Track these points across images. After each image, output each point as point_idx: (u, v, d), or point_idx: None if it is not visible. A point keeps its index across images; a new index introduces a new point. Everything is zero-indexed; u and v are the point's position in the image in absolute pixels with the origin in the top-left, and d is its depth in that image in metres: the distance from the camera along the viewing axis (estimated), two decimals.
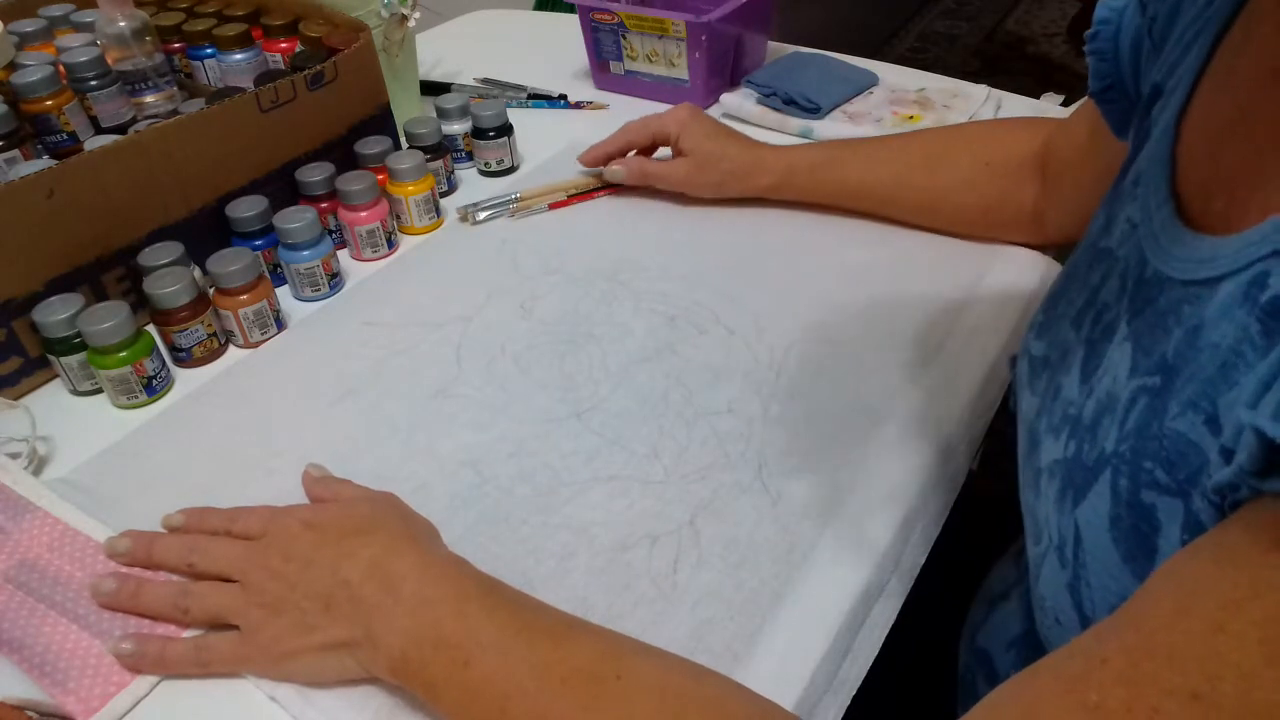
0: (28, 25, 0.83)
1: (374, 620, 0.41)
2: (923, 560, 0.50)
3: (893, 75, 0.96)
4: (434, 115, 0.84)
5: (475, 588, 0.42)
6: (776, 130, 0.89)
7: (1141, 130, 0.44)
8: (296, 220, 0.67)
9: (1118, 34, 0.47)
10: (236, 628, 0.44)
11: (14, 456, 0.55)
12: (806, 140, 0.87)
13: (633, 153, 0.82)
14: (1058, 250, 0.71)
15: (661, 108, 0.95)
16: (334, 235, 0.74)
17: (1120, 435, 0.35)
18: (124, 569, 0.48)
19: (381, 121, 0.80)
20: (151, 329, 0.63)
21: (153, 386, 0.61)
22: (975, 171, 0.69)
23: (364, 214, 0.72)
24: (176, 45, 0.86)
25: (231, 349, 0.66)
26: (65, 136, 0.73)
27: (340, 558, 0.43)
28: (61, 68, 0.74)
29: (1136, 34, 0.46)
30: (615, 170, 0.79)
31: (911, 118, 0.87)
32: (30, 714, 0.42)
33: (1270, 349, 0.27)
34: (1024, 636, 0.50)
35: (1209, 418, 0.30)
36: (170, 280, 0.61)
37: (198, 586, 0.45)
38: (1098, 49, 0.49)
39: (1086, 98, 0.65)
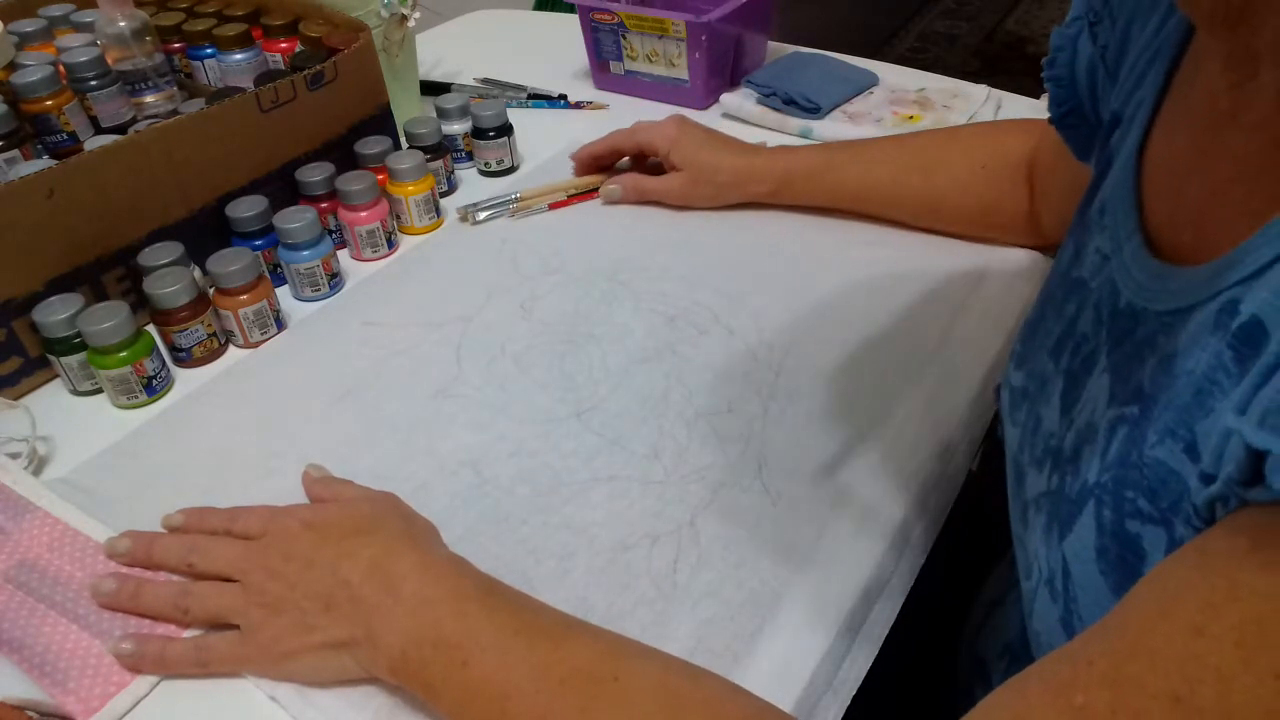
0: (28, 25, 0.83)
1: (374, 620, 0.41)
2: (922, 560, 0.50)
3: (893, 75, 0.96)
4: (434, 115, 0.84)
5: (475, 588, 0.42)
6: (777, 130, 0.89)
7: (1103, 159, 0.44)
8: (296, 220, 0.67)
9: (1073, 60, 0.48)
10: (237, 627, 0.44)
11: (14, 456, 0.55)
12: (807, 140, 0.87)
13: (625, 160, 0.82)
14: (1057, 250, 0.71)
15: (661, 108, 0.95)
16: (334, 235, 0.74)
17: (1102, 466, 0.35)
18: (124, 569, 0.48)
19: (381, 121, 0.80)
20: (151, 329, 0.63)
21: (153, 386, 0.61)
22: (971, 175, 0.69)
23: (364, 214, 0.72)
24: (176, 45, 0.86)
25: (231, 349, 0.66)
26: (65, 136, 0.73)
27: (340, 558, 0.43)
28: (61, 68, 0.74)
29: (1090, 61, 0.46)
30: (611, 189, 0.79)
31: (911, 118, 0.87)
32: (30, 714, 0.42)
33: (1244, 375, 0.28)
34: (1014, 644, 0.50)
35: (1187, 445, 0.30)
36: (170, 280, 0.61)
37: (198, 587, 0.45)
38: (1055, 76, 0.49)
39: None
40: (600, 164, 0.82)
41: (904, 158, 0.72)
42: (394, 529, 0.45)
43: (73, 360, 0.60)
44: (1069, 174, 0.59)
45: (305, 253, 0.68)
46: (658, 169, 0.79)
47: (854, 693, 0.44)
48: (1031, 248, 0.70)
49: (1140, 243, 0.37)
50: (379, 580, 0.42)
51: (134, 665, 0.44)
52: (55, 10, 0.86)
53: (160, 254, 0.63)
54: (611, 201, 0.79)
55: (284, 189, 0.73)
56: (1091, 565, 0.34)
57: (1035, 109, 0.89)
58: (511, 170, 0.86)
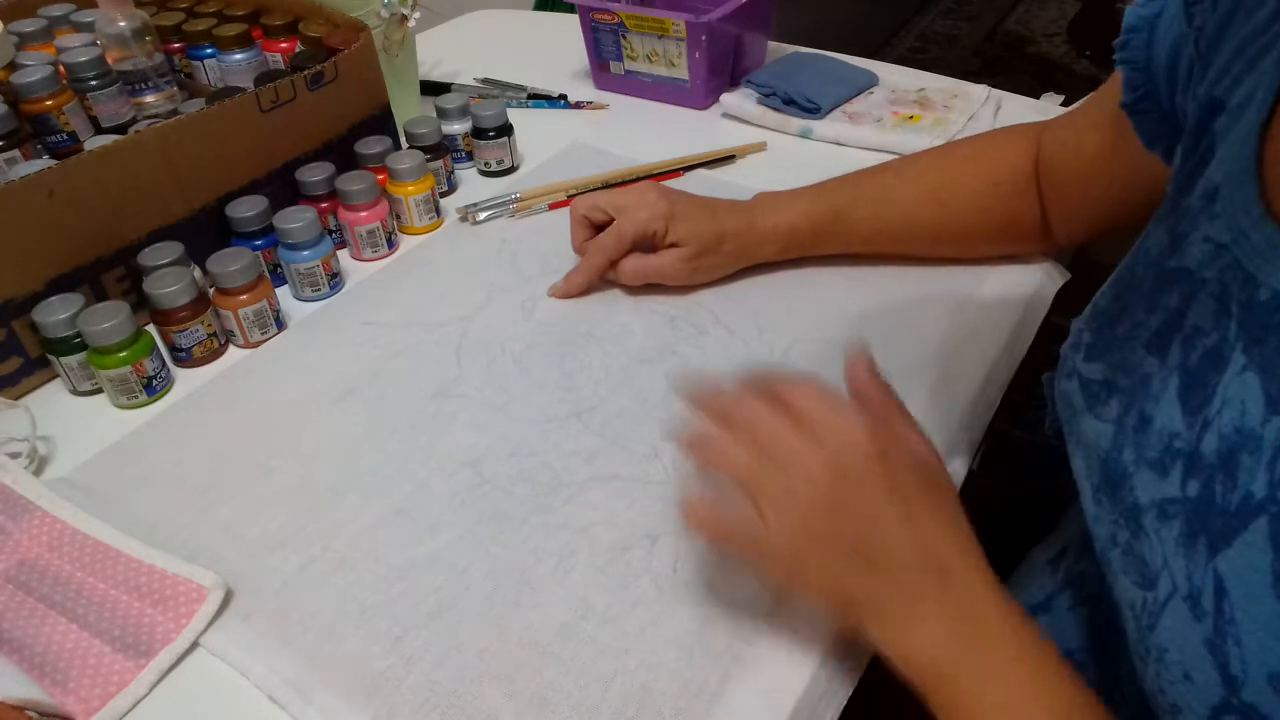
0: (28, 25, 0.83)
1: (913, 607, 0.40)
2: None
3: (893, 75, 0.96)
4: (434, 115, 0.84)
5: (1007, 622, 0.41)
6: (777, 130, 0.89)
7: (1201, 145, 0.41)
8: (296, 220, 0.67)
9: (1150, 43, 0.45)
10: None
11: (14, 456, 0.55)
12: (807, 140, 0.87)
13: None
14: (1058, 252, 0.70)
15: (662, 108, 0.95)
16: (334, 235, 0.74)
17: (1274, 480, 0.32)
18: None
19: (381, 121, 0.80)
20: (151, 329, 0.63)
21: (153, 386, 0.61)
22: (984, 194, 0.66)
23: (364, 214, 0.72)
24: (176, 45, 0.86)
25: (231, 349, 0.66)
26: (65, 136, 0.73)
27: (906, 519, 0.42)
28: (61, 68, 0.74)
29: (1176, 43, 0.43)
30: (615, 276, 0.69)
31: (911, 118, 0.87)
32: (30, 714, 0.42)
33: None
34: (1072, 654, 0.49)
35: None
36: (170, 280, 0.61)
37: (765, 473, 0.42)
38: (1129, 58, 0.46)
39: (1082, 103, 0.64)
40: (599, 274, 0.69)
41: (911, 190, 0.67)
42: (946, 501, 0.43)
43: (73, 360, 0.60)
44: (1100, 179, 0.57)
45: (305, 253, 0.68)
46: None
47: (854, 689, 0.44)
48: (1043, 256, 0.69)
49: (1277, 229, 0.35)
50: (932, 565, 0.41)
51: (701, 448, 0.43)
52: (55, 10, 0.86)
53: (160, 254, 0.63)
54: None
55: (284, 189, 0.73)
56: (1265, 590, 0.32)
57: (1035, 109, 0.89)
58: (511, 170, 0.86)
